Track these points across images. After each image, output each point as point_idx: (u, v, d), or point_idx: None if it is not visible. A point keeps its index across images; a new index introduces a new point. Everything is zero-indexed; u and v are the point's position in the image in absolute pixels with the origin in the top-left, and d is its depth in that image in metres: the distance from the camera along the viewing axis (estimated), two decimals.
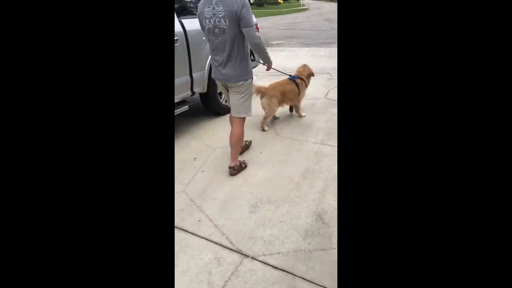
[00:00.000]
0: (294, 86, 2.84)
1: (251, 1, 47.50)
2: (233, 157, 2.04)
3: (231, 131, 2.02)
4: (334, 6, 31.16)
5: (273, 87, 2.79)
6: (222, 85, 1.98)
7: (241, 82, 1.85)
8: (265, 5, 39.82)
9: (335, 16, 15.26)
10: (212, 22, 1.72)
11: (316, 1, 50.43)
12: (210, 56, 2.05)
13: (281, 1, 51.65)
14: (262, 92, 2.71)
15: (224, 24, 1.68)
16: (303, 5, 36.07)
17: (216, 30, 1.73)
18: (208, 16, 1.72)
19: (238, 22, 1.66)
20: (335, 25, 10.24)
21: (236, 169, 2.04)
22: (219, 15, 1.67)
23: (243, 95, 1.91)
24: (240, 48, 1.77)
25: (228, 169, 2.05)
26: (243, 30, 1.68)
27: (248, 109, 1.96)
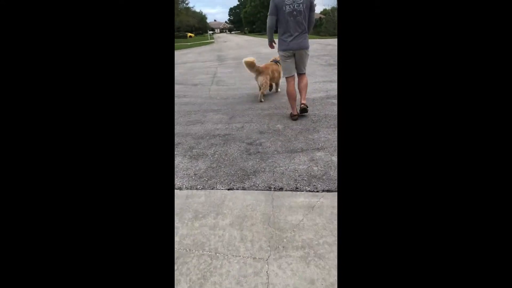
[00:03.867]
0: (278, 66, 4.14)
1: None
2: (303, 97, 3.28)
3: (300, 81, 3.29)
4: (244, 39, 30.60)
5: (266, 67, 4.07)
6: (290, 54, 3.06)
7: (308, 48, 3.11)
8: None
9: (232, 53, 13.39)
10: (292, 7, 2.79)
11: (231, 35, 51.06)
12: (282, 33, 3.03)
13: (192, 35, 50.39)
14: (259, 71, 4.00)
15: (302, 8, 2.83)
16: (212, 38, 35.18)
17: (295, 12, 2.81)
18: (288, 3, 2.79)
19: (310, 8, 2.90)
20: (223, 70, 8.06)
21: (306, 107, 3.26)
22: (298, 2, 2.80)
23: (307, 58, 3.19)
24: (305, 25, 2.95)
25: (301, 105, 3.26)
26: (311, 13, 2.93)
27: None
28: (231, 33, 75.12)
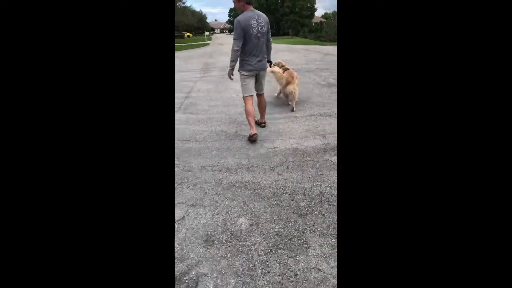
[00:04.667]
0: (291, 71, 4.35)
1: None
2: (263, 116, 3.53)
3: (260, 102, 3.41)
4: None
5: (289, 74, 4.14)
6: (253, 75, 3.09)
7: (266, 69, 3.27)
8: None
9: (222, 60, 11.51)
10: (257, 30, 2.85)
11: (230, 36, 49.92)
12: (246, 55, 3.01)
13: (190, 35, 49.56)
14: (288, 81, 4.07)
15: (264, 30, 2.92)
16: (209, 39, 34.11)
17: (259, 34, 2.88)
18: (254, 26, 2.83)
19: (268, 29, 3.00)
20: (202, 86, 6.63)
21: (265, 124, 3.56)
22: (261, 25, 2.88)
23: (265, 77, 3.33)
24: (265, 47, 3.09)
25: (260, 124, 3.54)
26: (268, 35, 3.06)
27: None
28: (230, 34, 73.94)
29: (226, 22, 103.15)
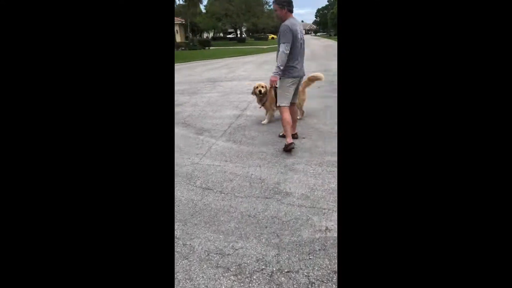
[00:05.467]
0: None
1: (230, 36, 44.84)
2: (295, 127, 3.38)
3: (292, 111, 3.20)
4: (325, 43, 28.19)
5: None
6: (296, 81, 3.02)
7: None
8: (246, 40, 37.32)
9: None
10: (301, 35, 2.90)
11: (313, 38, 48.65)
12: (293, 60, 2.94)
13: (274, 36, 49.98)
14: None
15: (303, 37, 2.97)
16: None
17: (301, 40, 2.90)
18: (299, 31, 2.87)
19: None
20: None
21: (296, 135, 3.39)
22: (302, 32, 2.95)
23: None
24: None
25: (293, 136, 3.23)
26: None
27: None
28: (315, 35, 72.12)
29: (312, 23, 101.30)
